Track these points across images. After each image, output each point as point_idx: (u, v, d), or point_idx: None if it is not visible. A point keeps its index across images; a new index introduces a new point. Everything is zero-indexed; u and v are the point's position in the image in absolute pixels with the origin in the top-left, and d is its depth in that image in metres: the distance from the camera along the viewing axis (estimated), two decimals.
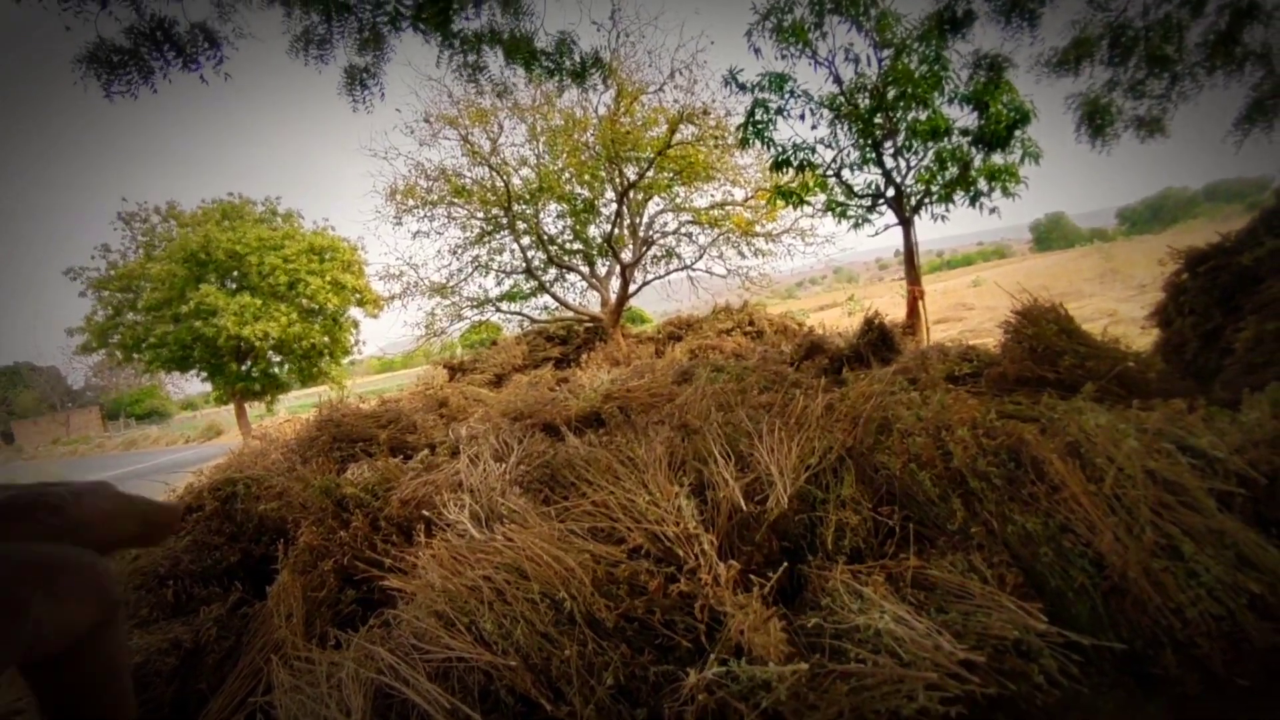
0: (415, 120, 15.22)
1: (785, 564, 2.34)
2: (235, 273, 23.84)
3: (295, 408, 28.17)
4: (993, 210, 9.10)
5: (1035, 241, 72.46)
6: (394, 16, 6.46)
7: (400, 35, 7.14)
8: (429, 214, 15.89)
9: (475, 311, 16.62)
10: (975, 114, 8.81)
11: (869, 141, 9.55)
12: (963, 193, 9.26)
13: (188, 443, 37.74)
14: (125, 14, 6.40)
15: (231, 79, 6.90)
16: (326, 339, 25.01)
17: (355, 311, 26.50)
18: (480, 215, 15.97)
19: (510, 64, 7.04)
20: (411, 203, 15.60)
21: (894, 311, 9.73)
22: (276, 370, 25.78)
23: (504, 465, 4.21)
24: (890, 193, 9.80)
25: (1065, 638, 2.10)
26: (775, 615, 2.10)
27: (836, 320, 15.74)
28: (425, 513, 3.27)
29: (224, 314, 22.22)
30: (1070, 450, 2.75)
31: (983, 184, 9.05)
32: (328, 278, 24.24)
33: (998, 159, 8.92)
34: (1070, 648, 2.11)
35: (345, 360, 26.96)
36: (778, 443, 3.15)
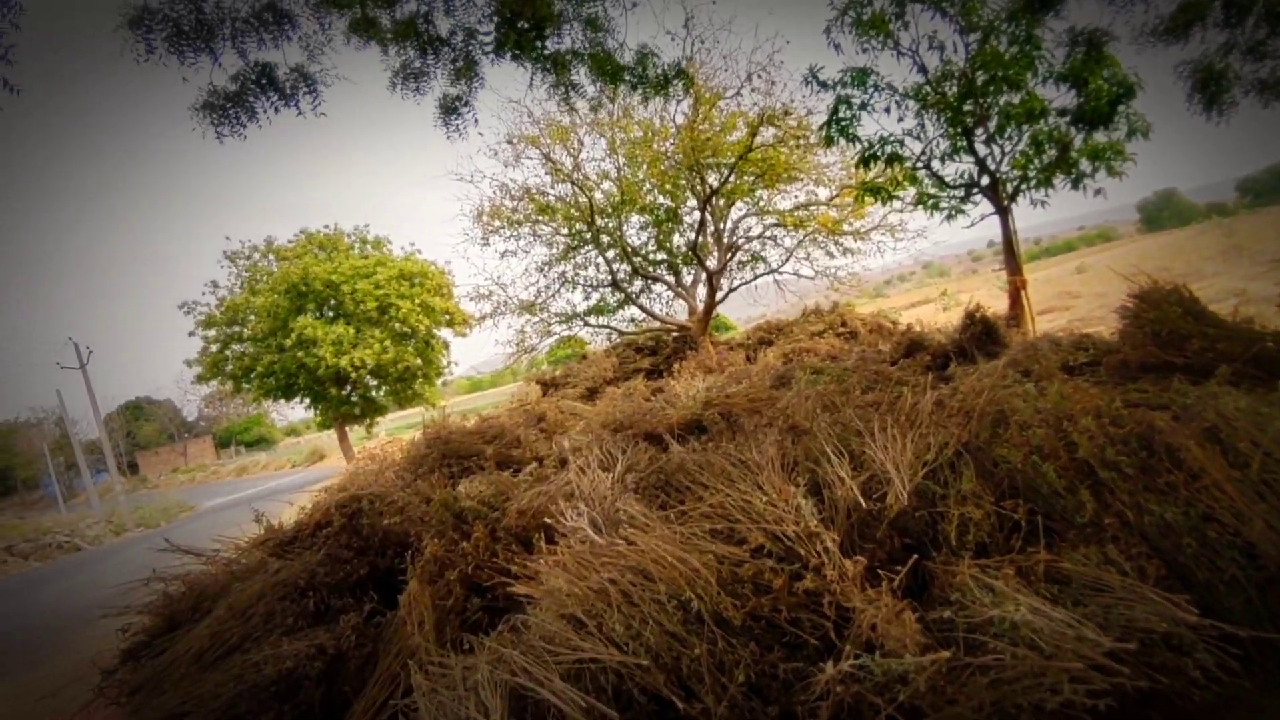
0: (499, 143, 15.77)
1: (916, 556, 2.36)
2: (332, 300, 25.09)
3: (394, 429, 29.40)
4: (1098, 191, 8.71)
5: (1144, 222, 68.23)
6: (498, 44, 6.77)
7: (494, 62, 7.46)
8: (515, 233, 16.37)
9: (563, 327, 17.01)
10: (1073, 92, 8.49)
11: (959, 130, 9.31)
12: (1063, 175, 8.91)
13: (294, 467, 39.83)
14: (230, 62, 6.95)
15: (325, 116, 7.39)
16: (419, 361, 26.02)
17: (445, 333, 27.53)
18: (565, 231, 16.34)
19: (596, 81, 7.26)
20: (498, 223, 16.12)
21: (992, 304, 9.42)
22: (374, 394, 26.99)
23: (611, 474, 4.33)
24: (985, 181, 9.51)
25: (1220, 630, 2.04)
26: (907, 608, 2.11)
27: (932, 317, 15.30)
28: (547, 520, 3.41)
29: (322, 344, 23.43)
30: (1209, 436, 2.65)
31: (1085, 165, 8.69)
32: (417, 301, 25.24)
33: (1100, 137, 8.55)
34: (1227, 641, 2.04)
35: (438, 381, 27.99)
36: (890, 440, 3.15)
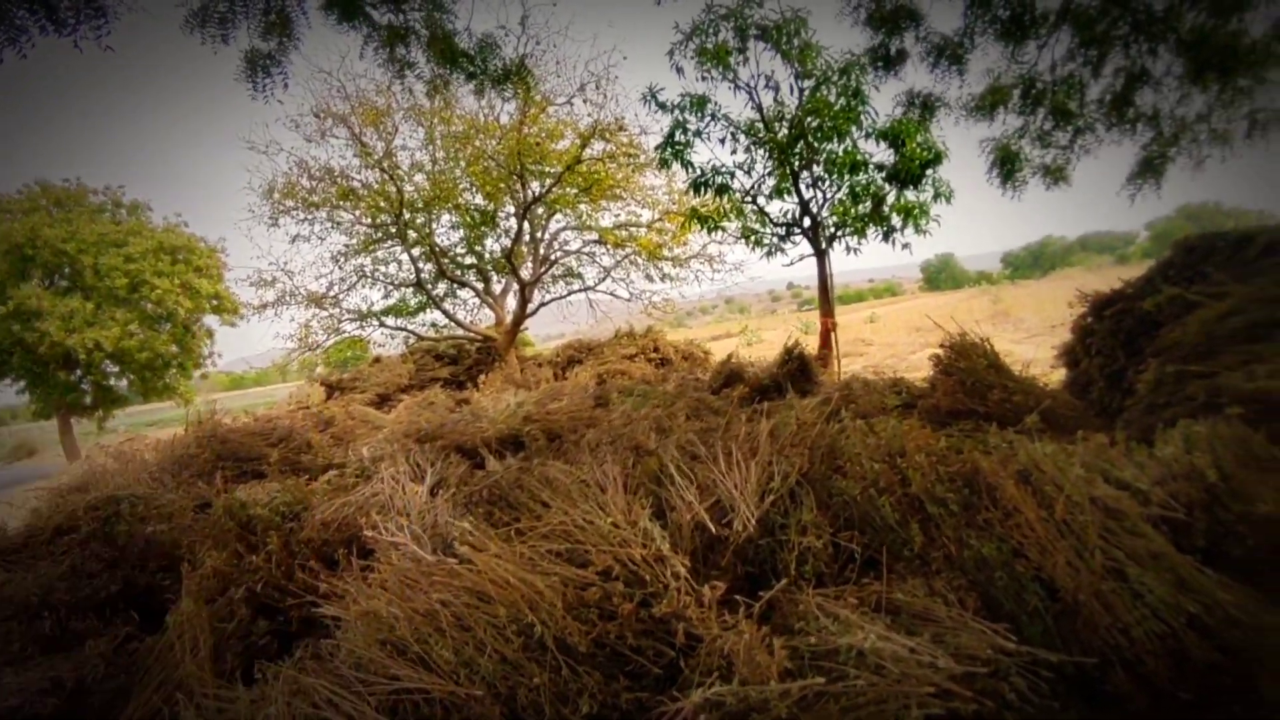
0: (302, 114, 14.70)
1: (784, 581, 2.46)
2: (67, 269, 22.02)
3: (135, 425, 26.20)
4: (905, 246, 9.75)
5: (925, 281, 77.42)
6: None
7: (308, 23, 6.97)
8: (310, 216, 15.29)
9: (355, 325, 16.10)
10: (891, 151, 9.44)
11: (787, 170, 10.02)
12: (876, 227, 9.86)
13: None
14: None
15: (112, 51, 6.51)
16: (175, 349, 23.46)
17: (210, 320, 25.07)
18: (367, 221, 15.54)
19: (431, 62, 7.01)
20: (291, 203, 14.98)
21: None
22: (110, 383, 23.92)
23: (423, 487, 4.15)
24: (806, 222, 10.30)
25: (1034, 656, 2.31)
26: (770, 635, 2.20)
27: (734, 350, 16.27)
28: (368, 534, 3.18)
29: (49, 318, 20.45)
30: (1021, 478, 3.02)
31: (896, 220, 9.68)
32: (178, 281, 22.81)
33: (911, 196, 9.56)
34: (1038, 666, 2.31)
35: (196, 374, 25.39)
36: (733, 466, 3.28)
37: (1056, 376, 6.37)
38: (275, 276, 15.47)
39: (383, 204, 14.99)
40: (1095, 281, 6.90)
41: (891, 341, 19.82)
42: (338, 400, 12.41)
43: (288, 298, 15.40)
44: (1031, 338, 16.65)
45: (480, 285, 17.11)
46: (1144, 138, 8.32)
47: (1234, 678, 2.48)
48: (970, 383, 4.57)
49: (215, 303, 24.14)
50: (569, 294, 17.67)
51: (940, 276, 73.79)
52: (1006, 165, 8.45)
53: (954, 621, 2.51)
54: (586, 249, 17.51)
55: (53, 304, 20.82)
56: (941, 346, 5.03)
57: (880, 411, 5.03)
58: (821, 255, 10.33)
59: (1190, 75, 7.58)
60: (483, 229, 16.60)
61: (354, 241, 15.98)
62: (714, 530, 2.83)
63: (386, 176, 14.71)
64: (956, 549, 2.86)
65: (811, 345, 10.12)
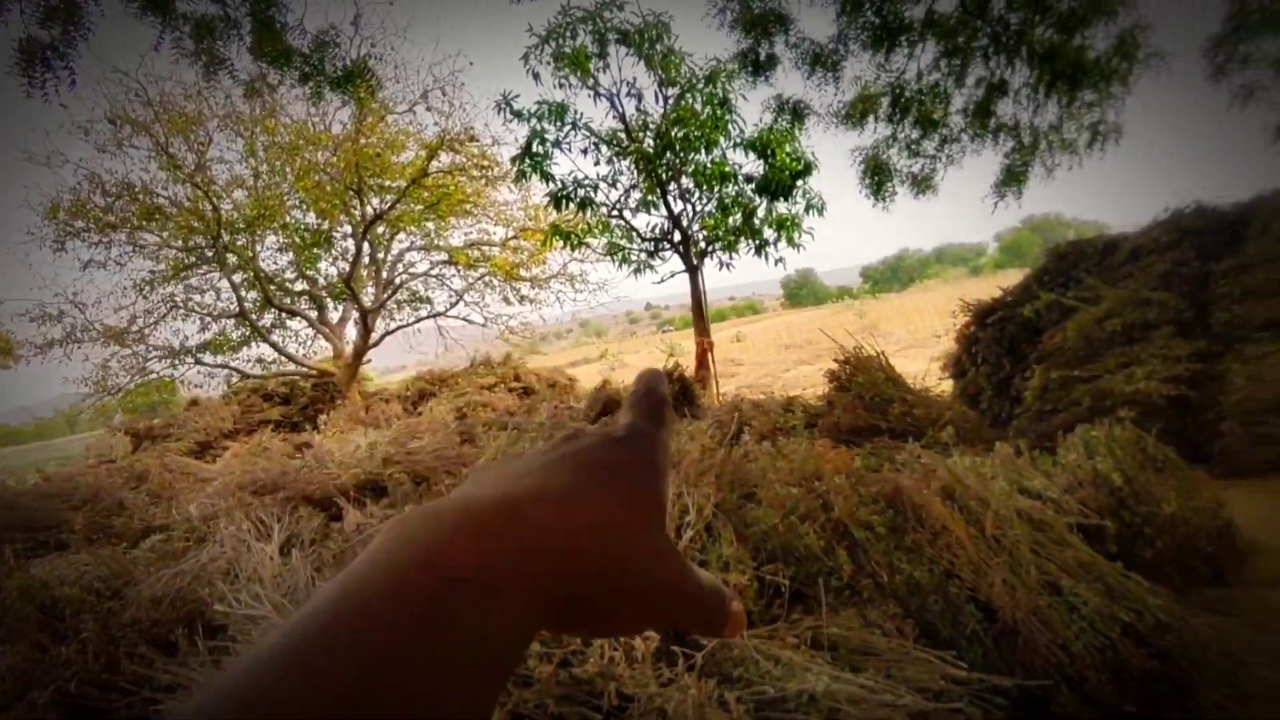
0: (93, 121, 13.49)
1: (722, 636, 2.35)
2: None
3: None
4: (779, 260, 10.04)
5: (787, 297, 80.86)
6: None
7: (101, 11, 6.41)
8: (105, 239, 13.98)
9: (166, 364, 14.86)
10: (761, 161, 9.72)
11: (654, 182, 10.11)
12: (748, 241, 10.11)
13: None
14: None
15: None
16: None
17: None
18: (178, 244, 14.44)
19: (259, 61, 6.58)
20: (81, 224, 13.67)
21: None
22: None
23: (273, 545, 3.80)
24: (676, 237, 10.42)
25: (985, 683, 2.32)
26: (719, 688, 2.09)
27: (596, 375, 16.25)
28: (219, 607, 2.83)
29: None
30: (945, 495, 3.08)
31: (769, 233, 9.95)
32: None
33: (782, 208, 9.87)
34: (991, 693, 2.33)
35: None
36: None
37: (944, 387, 6.71)
38: (63, 310, 14.05)
39: (196, 224, 13.96)
40: (953, 293, 7.34)
41: (762, 360, 20.43)
42: (149, 451, 11.40)
43: (79, 334, 14.02)
44: (903, 350, 17.58)
45: (314, 314, 16.27)
46: (1005, 147, 9.02)
47: (1172, 684, 2.61)
48: (870, 397, 4.69)
49: None
50: (417, 321, 17.08)
51: (802, 292, 77.33)
52: (877, 176, 8.91)
53: (895, 653, 2.50)
54: (435, 271, 17.03)
55: None
56: (836, 361, 5.15)
57: (780, 433, 5.09)
58: (694, 271, 10.47)
59: (1044, 87, 8.27)
60: (315, 250, 15.84)
61: (162, 267, 14.79)
62: None
63: (200, 193, 13.73)
64: (888, 575, 2.87)
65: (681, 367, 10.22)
